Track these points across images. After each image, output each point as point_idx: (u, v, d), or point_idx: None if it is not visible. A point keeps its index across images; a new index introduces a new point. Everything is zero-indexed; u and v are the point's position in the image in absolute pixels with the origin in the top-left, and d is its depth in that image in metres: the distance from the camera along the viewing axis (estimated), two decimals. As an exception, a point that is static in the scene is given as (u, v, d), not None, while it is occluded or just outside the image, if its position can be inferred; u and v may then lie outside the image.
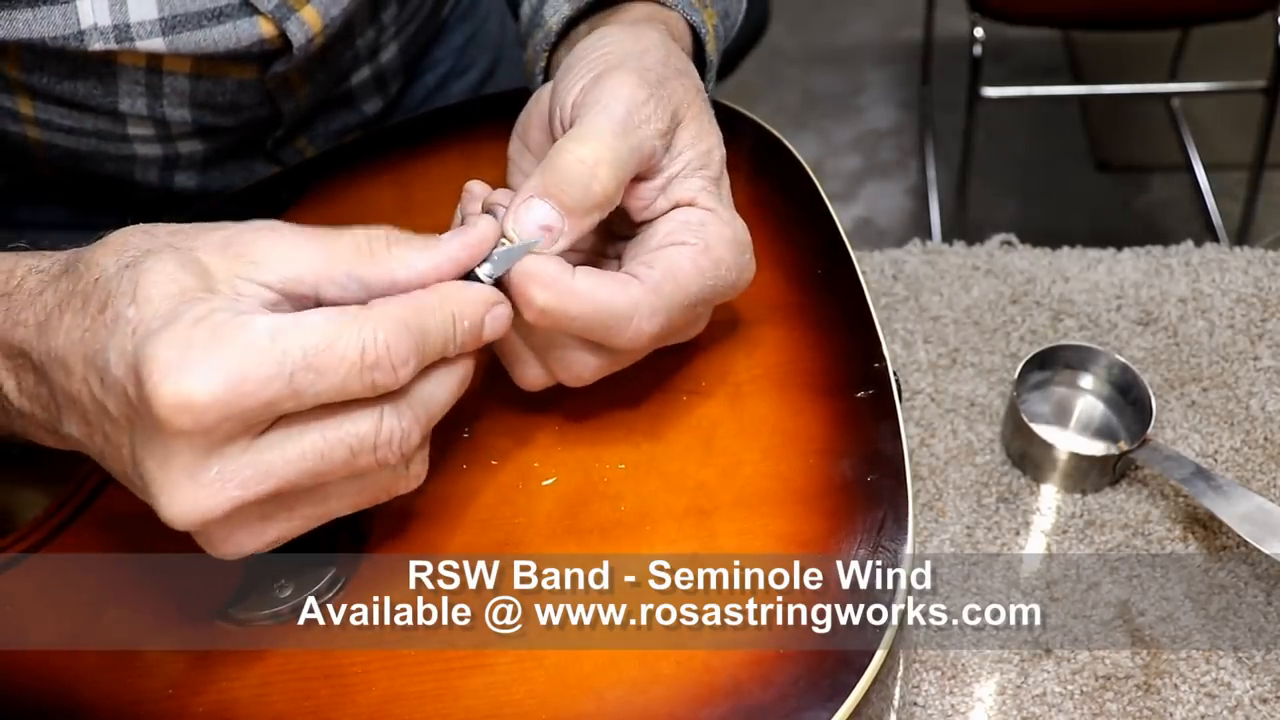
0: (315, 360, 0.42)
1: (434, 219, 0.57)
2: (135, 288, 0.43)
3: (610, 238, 0.57)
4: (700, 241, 0.53)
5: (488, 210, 0.53)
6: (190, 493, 0.43)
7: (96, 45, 0.63)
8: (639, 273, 0.52)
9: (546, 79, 0.63)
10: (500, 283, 0.50)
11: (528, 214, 0.50)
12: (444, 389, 0.48)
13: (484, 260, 0.49)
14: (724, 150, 0.56)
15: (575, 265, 0.52)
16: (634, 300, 0.51)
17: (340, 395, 0.44)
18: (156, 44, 0.64)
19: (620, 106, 0.51)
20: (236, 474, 0.43)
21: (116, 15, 0.62)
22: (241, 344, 0.42)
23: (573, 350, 0.53)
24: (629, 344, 0.52)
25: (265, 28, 0.66)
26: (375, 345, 0.43)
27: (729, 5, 0.68)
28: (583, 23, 0.63)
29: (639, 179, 0.53)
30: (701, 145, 0.54)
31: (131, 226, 0.47)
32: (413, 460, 0.48)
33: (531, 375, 0.54)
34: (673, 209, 0.54)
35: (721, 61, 0.66)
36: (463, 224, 0.55)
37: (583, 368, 0.53)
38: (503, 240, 0.51)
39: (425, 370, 0.47)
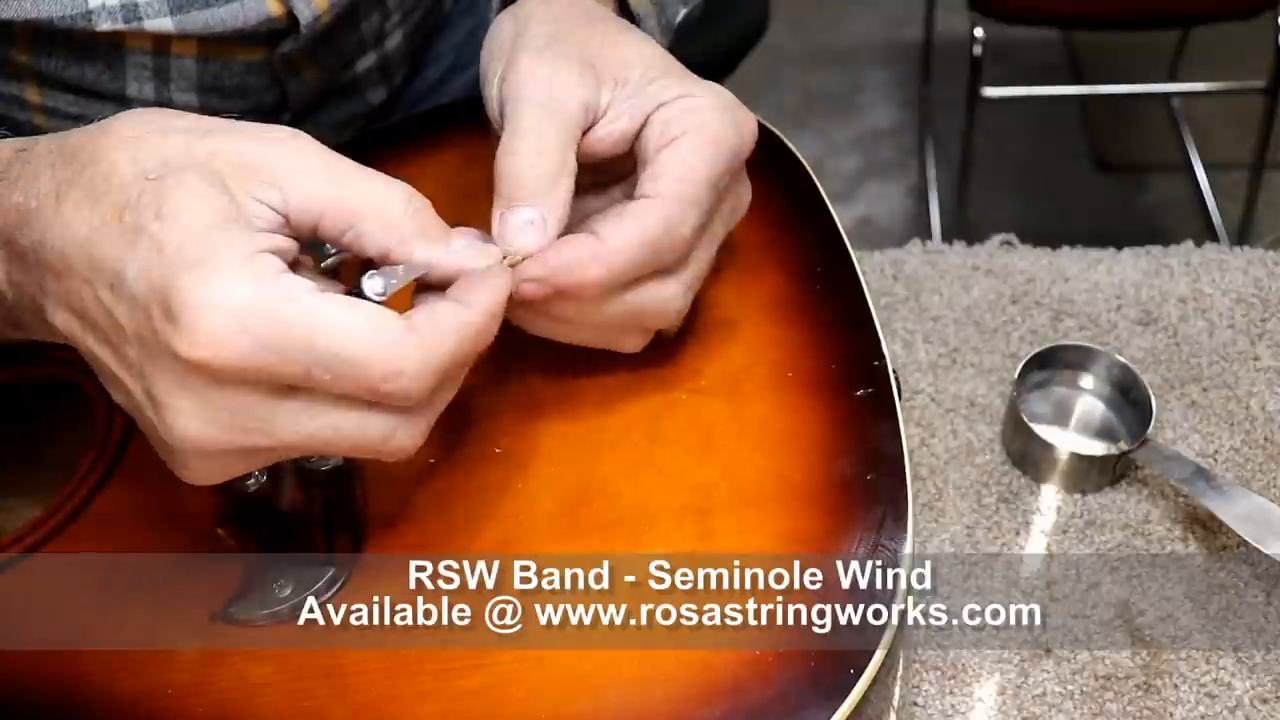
0: (338, 367, 0.44)
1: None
2: (161, 203, 0.44)
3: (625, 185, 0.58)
4: (693, 127, 0.54)
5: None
6: (197, 419, 0.44)
7: (104, 25, 0.63)
8: (648, 189, 0.53)
9: None
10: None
11: (508, 224, 0.52)
12: (452, 394, 0.49)
13: (389, 277, 0.48)
14: (663, 55, 0.57)
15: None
16: (662, 216, 0.53)
17: (346, 396, 0.45)
18: (164, 24, 0.64)
19: (526, 91, 0.54)
20: (243, 423, 0.44)
21: None
22: (282, 316, 0.43)
23: (627, 332, 0.56)
24: (681, 254, 0.54)
25: (273, 6, 0.66)
26: (398, 379, 0.44)
27: None
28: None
29: (593, 127, 0.55)
30: (633, 59, 0.56)
31: (137, 113, 0.47)
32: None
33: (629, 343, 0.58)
34: (649, 117, 0.55)
35: (722, 61, 0.66)
36: None
37: (639, 341, 0.57)
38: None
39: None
